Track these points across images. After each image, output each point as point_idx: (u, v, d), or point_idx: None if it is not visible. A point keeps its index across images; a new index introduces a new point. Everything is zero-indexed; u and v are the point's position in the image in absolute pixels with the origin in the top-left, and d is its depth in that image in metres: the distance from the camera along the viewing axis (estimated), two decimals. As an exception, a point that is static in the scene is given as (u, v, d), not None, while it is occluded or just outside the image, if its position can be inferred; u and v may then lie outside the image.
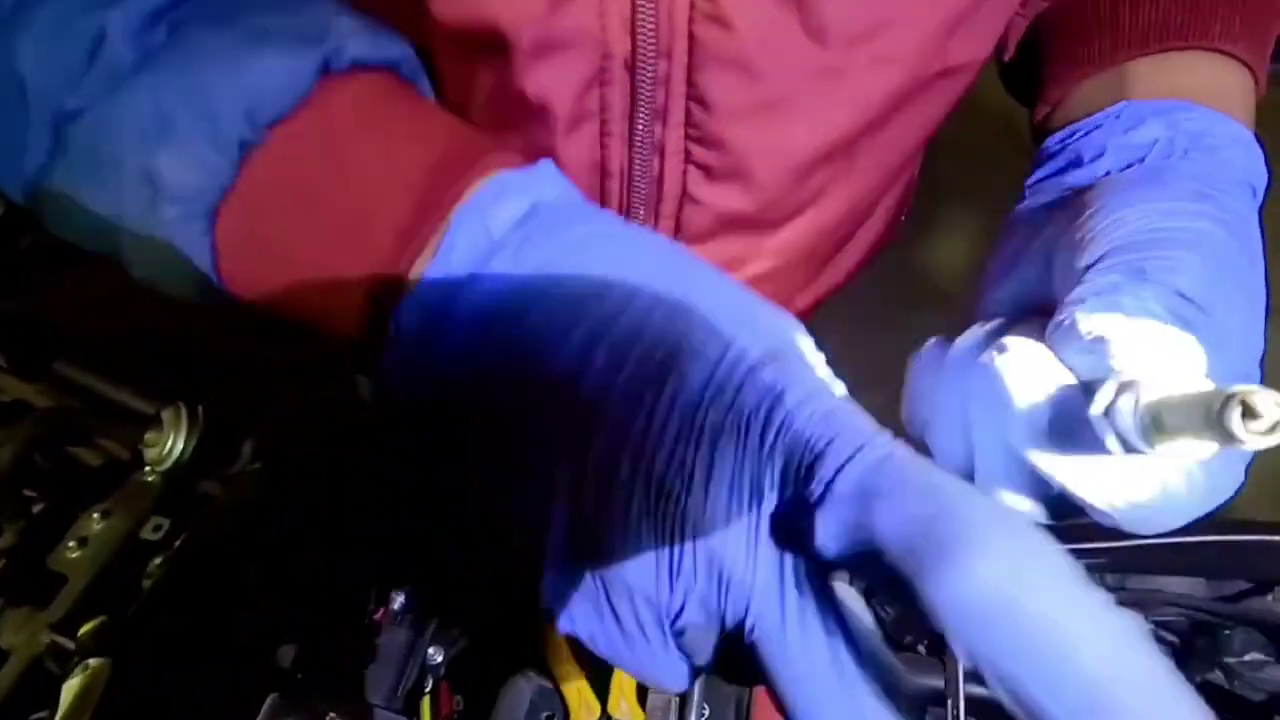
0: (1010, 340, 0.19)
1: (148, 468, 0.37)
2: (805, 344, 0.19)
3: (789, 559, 0.16)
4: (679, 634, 0.18)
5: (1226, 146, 0.24)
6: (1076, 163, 0.27)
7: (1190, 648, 0.30)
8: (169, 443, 0.33)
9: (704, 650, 0.18)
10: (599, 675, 0.34)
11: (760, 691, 0.35)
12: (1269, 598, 0.31)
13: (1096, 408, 0.16)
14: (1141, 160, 0.24)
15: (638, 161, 0.29)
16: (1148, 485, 0.17)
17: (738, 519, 0.16)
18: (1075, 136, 0.28)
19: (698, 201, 0.31)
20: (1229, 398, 0.13)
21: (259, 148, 0.21)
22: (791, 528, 0.16)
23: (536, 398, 0.18)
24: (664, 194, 0.30)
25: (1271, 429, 0.12)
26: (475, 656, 0.41)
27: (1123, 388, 0.16)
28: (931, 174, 0.44)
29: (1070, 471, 0.17)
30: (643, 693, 0.35)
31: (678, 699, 0.35)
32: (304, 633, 0.38)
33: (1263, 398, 0.12)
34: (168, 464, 0.33)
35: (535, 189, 0.21)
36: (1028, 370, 0.18)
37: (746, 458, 0.16)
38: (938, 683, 0.33)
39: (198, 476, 0.39)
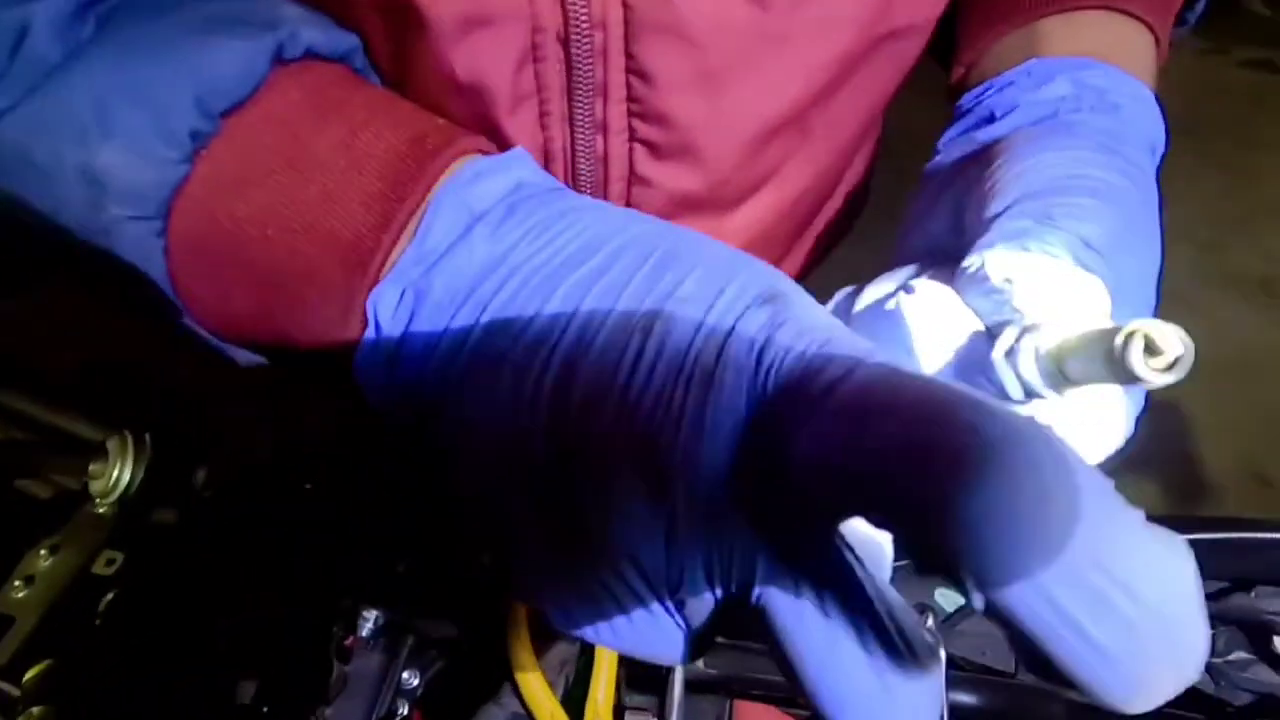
0: (918, 283, 0.18)
1: (97, 499, 0.35)
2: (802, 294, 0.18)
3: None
4: (680, 605, 0.16)
5: (1129, 104, 0.24)
6: (989, 119, 0.27)
7: (1174, 648, 0.30)
8: (115, 473, 0.32)
9: (703, 616, 0.16)
10: (573, 699, 0.34)
11: (741, 707, 0.35)
12: (1252, 595, 0.30)
13: (998, 351, 0.16)
14: (1051, 115, 0.24)
15: (580, 141, 0.28)
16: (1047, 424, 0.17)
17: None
18: (988, 93, 0.28)
19: (647, 182, 0.29)
20: (1131, 334, 0.12)
21: (214, 138, 0.20)
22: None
23: (511, 368, 0.17)
24: (611, 175, 0.29)
25: (1172, 365, 0.12)
26: (449, 680, 0.40)
27: (1025, 331, 0.16)
28: (893, 163, 0.43)
29: None
30: (619, 713, 0.34)
31: (656, 718, 0.34)
32: (268, 662, 0.37)
33: (1164, 332, 0.12)
34: (114, 495, 0.31)
35: (516, 170, 0.20)
36: (932, 313, 0.18)
37: (742, 397, 0.15)
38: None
39: (153, 505, 0.37)
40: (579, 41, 0.25)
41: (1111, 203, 0.20)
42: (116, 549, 0.37)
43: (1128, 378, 0.12)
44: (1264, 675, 0.28)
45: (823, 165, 0.34)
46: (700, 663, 0.34)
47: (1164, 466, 1.22)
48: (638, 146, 0.28)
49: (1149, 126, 0.24)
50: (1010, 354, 0.16)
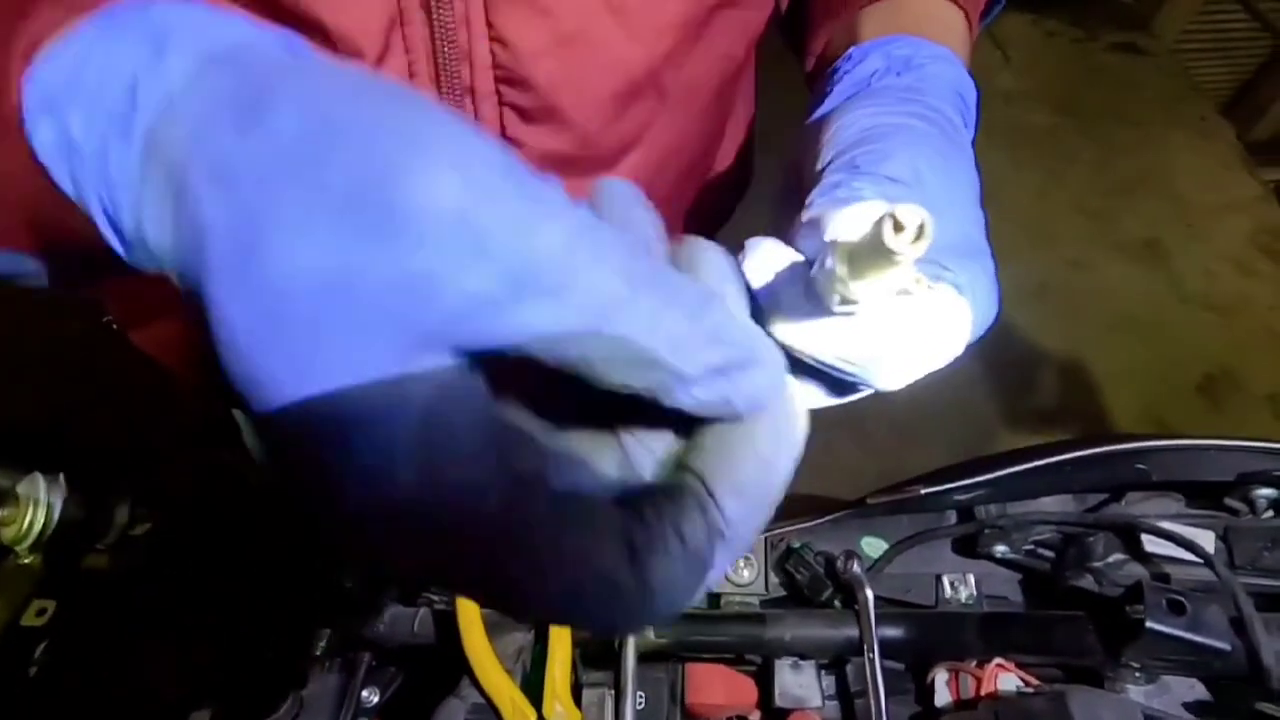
0: (749, 241, 0.21)
1: (20, 549, 0.34)
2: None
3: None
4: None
5: (931, 63, 0.27)
6: (819, 103, 0.30)
7: (1064, 559, 0.33)
8: (28, 517, 0.30)
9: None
10: (532, 684, 0.34)
11: (692, 670, 0.36)
12: (1122, 503, 0.34)
13: (815, 270, 0.18)
14: (865, 86, 0.28)
15: (450, 104, 0.30)
16: (875, 333, 0.18)
17: None
18: (827, 80, 0.31)
19: (519, 144, 0.32)
20: (880, 219, 0.14)
21: None
22: None
23: None
24: None
25: (918, 236, 0.14)
26: (409, 688, 0.40)
27: (828, 248, 0.18)
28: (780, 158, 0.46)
29: (808, 338, 0.19)
30: (577, 692, 0.35)
31: (613, 692, 0.35)
32: (222, 691, 0.37)
33: (903, 210, 0.14)
34: (30, 539, 0.30)
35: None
36: (761, 259, 0.20)
37: None
38: (853, 633, 0.34)
39: (79, 551, 0.36)
40: (440, 9, 0.27)
41: (909, 141, 0.23)
42: (47, 598, 0.36)
43: (894, 257, 0.14)
44: (1136, 570, 0.32)
45: (685, 128, 0.37)
46: (650, 634, 0.36)
47: (1076, 418, 1.31)
48: (507, 110, 0.31)
49: (951, 77, 0.27)
50: (822, 271, 0.17)
